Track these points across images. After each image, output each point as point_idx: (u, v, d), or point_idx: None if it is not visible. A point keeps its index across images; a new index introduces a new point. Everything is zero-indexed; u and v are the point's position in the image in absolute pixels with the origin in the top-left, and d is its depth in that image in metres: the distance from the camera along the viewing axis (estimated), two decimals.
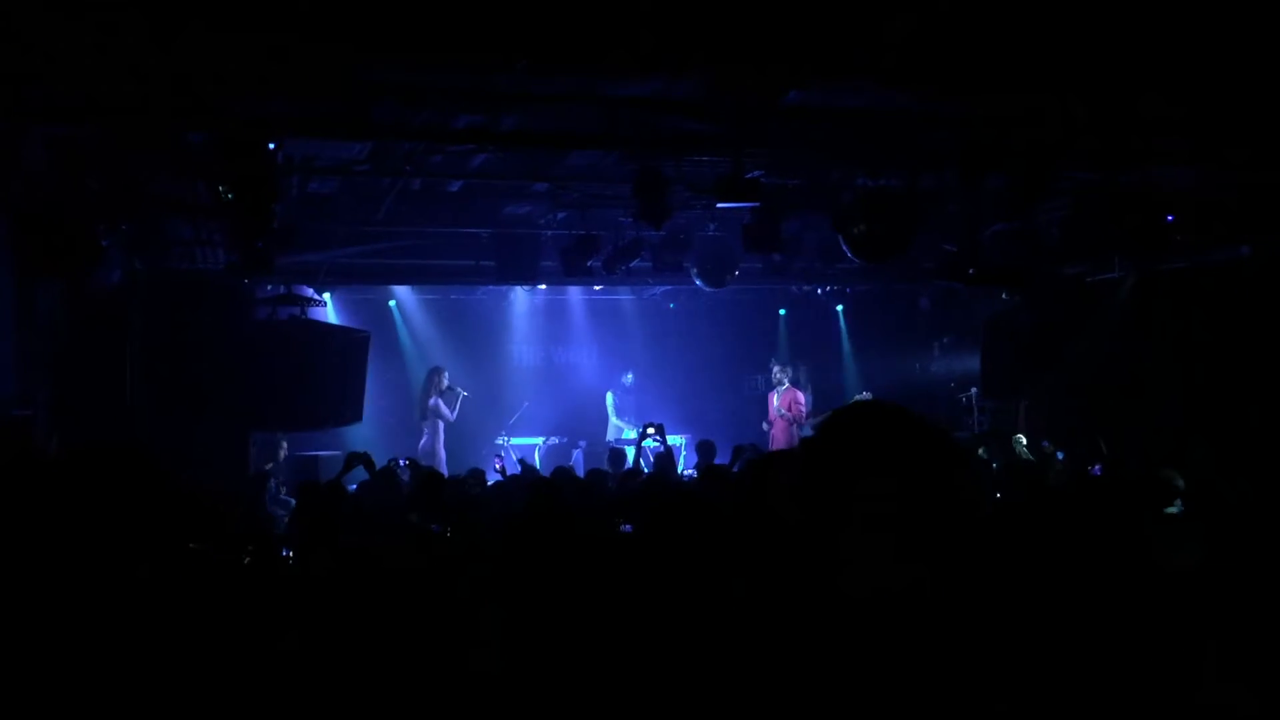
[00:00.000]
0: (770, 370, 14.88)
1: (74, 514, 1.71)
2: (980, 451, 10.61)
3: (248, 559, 5.32)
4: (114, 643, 1.68)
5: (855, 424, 1.59)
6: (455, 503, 6.80)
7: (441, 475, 9.38)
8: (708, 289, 12.68)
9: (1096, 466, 7.84)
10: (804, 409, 14.28)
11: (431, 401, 13.98)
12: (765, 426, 14.33)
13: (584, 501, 7.07)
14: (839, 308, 16.83)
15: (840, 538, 1.49)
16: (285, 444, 12.83)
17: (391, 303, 15.71)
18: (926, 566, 1.43)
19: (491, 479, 10.04)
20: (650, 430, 9.44)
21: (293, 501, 9.27)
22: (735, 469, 8.35)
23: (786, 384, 14.39)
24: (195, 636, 1.82)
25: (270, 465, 12.33)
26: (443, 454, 13.78)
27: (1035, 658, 1.46)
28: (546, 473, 9.64)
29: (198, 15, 5.78)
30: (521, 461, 11.00)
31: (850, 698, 1.46)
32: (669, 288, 15.78)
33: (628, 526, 6.06)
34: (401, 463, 8.81)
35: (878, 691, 1.44)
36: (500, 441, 15.14)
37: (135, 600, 1.69)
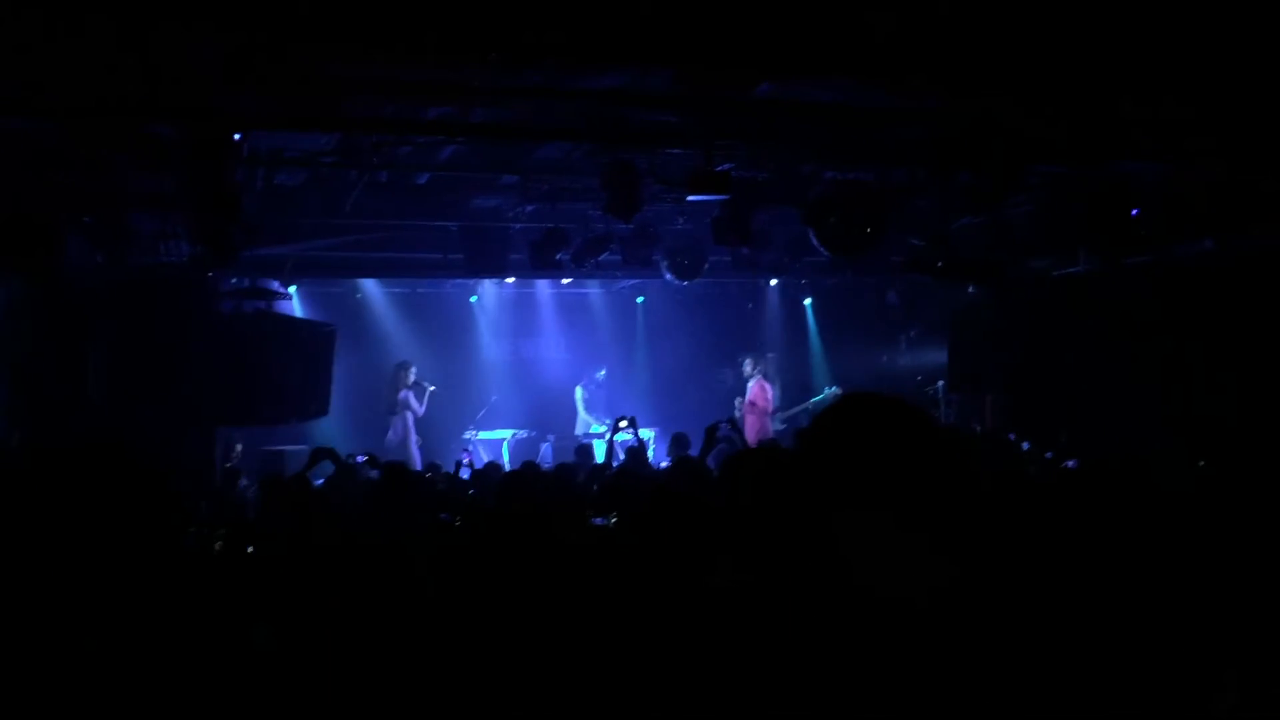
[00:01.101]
0: (741, 365, 15.03)
1: (62, 511, 1.66)
2: None
3: (219, 544, 5.26)
4: (106, 639, 1.64)
5: (856, 417, 1.56)
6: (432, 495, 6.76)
7: (405, 468, 9.30)
8: (677, 283, 12.68)
9: (1071, 460, 7.89)
10: (770, 401, 14.46)
11: (401, 395, 13.93)
12: (737, 415, 14.41)
13: (554, 494, 7.05)
14: (807, 301, 16.86)
15: (858, 535, 1.46)
16: (239, 445, 12.65)
17: (359, 296, 15.58)
18: (958, 562, 1.41)
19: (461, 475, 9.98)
20: (623, 423, 9.44)
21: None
22: (708, 453, 8.35)
23: (757, 376, 14.52)
24: (177, 629, 1.79)
25: (237, 458, 12.18)
26: (415, 452, 13.70)
27: (1046, 653, 1.45)
28: (515, 465, 9.60)
29: (166, 12, 5.69)
30: (491, 464, 10.94)
31: (856, 696, 1.44)
32: (637, 281, 15.77)
33: (599, 519, 6.05)
34: (360, 459, 8.70)
35: (884, 690, 1.42)
36: (468, 436, 15.07)
37: (124, 596, 1.66)
